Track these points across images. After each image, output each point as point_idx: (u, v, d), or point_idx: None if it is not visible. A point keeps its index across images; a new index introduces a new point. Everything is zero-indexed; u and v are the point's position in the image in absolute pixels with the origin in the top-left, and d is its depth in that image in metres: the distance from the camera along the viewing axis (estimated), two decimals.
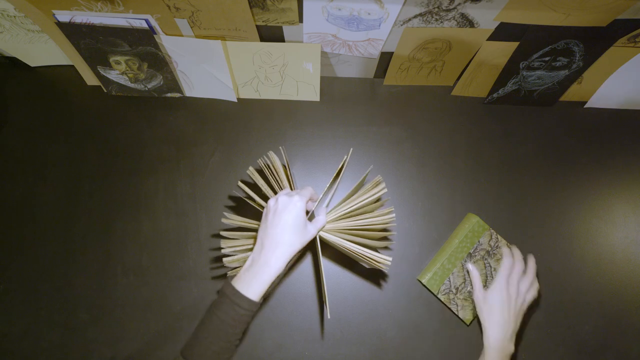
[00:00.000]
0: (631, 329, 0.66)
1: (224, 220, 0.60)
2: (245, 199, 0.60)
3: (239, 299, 0.46)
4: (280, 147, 0.63)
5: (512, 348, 0.58)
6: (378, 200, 0.61)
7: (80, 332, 0.64)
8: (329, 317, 0.59)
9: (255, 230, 0.59)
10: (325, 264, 0.66)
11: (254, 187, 0.60)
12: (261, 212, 0.59)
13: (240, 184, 0.61)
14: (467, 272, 0.64)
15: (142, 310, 0.65)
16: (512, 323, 0.59)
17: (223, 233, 0.59)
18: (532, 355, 0.65)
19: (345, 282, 0.66)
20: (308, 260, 0.67)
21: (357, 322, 0.65)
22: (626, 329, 0.66)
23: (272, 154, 0.61)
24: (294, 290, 0.66)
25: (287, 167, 0.59)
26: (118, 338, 0.64)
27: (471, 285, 0.64)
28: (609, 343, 0.66)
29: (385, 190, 0.60)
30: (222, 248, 0.58)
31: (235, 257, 0.57)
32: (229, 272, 0.57)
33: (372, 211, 0.60)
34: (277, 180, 0.59)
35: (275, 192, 0.59)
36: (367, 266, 0.60)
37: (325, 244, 0.61)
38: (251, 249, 0.58)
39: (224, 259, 0.57)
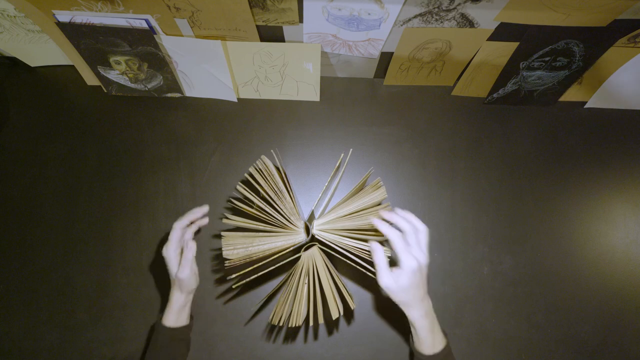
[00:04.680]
0: (631, 329, 0.66)
1: (224, 221, 0.60)
2: (240, 207, 0.60)
3: (159, 328, 0.57)
4: (271, 150, 0.63)
5: (430, 303, 0.54)
6: (379, 204, 0.61)
7: (80, 332, 0.64)
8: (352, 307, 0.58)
9: (255, 230, 0.59)
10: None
11: (253, 187, 0.60)
12: (258, 216, 0.59)
13: (239, 187, 0.61)
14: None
15: (142, 310, 0.65)
16: (425, 290, 0.53)
17: (223, 233, 0.59)
18: (532, 355, 0.65)
19: (345, 282, 0.66)
20: None
21: (357, 322, 0.65)
22: (626, 329, 0.66)
23: (264, 159, 0.61)
24: None
25: (281, 170, 0.59)
26: (118, 338, 0.64)
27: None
28: (609, 343, 0.66)
29: (386, 195, 0.60)
30: (222, 247, 0.58)
31: (234, 253, 0.57)
32: (226, 263, 0.57)
33: (370, 212, 0.60)
34: (272, 184, 0.59)
35: (271, 197, 0.58)
36: (363, 269, 0.59)
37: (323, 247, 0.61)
38: (250, 246, 0.58)
39: (224, 253, 0.57)
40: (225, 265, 0.57)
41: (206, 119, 0.73)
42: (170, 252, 0.57)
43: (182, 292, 0.58)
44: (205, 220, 0.63)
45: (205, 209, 0.62)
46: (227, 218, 0.59)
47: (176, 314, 0.58)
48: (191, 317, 0.61)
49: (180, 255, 0.58)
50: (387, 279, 0.51)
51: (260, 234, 0.58)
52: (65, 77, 0.74)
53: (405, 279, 0.50)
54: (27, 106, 0.74)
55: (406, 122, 0.74)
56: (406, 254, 0.50)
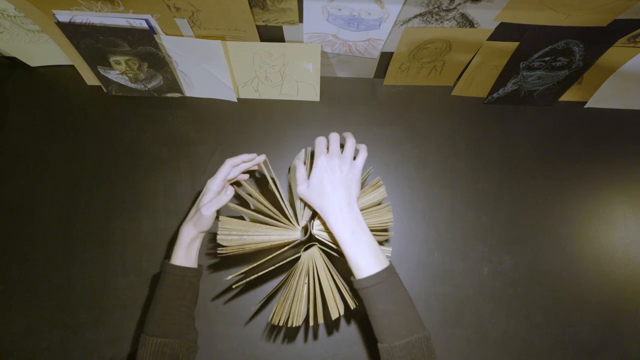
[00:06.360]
0: (631, 329, 0.66)
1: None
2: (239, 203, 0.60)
3: (166, 267, 0.57)
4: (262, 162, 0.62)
5: (357, 215, 0.53)
6: (378, 204, 0.61)
7: (80, 332, 0.64)
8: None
9: (253, 219, 0.59)
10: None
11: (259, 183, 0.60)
12: (258, 208, 0.60)
13: (240, 186, 0.61)
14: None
15: (142, 310, 0.65)
16: (346, 194, 0.53)
17: (221, 218, 0.59)
18: (532, 355, 0.65)
19: (345, 282, 0.66)
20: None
21: (357, 322, 0.65)
22: (626, 329, 0.66)
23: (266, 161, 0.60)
24: None
25: (272, 179, 0.59)
26: (118, 338, 0.64)
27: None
28: (609, 343, 0.66)
29: (386, 195, 0.60)
30: (218, 231, 0.58)
31: (228, 239, 0.57)
32: (219, 250, 0.57)
33: (370, 212, 0.60)
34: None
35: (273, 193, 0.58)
36: None
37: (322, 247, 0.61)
38: (245, 234, 0.58)
39: (219, 238, 0.57)
40: (218, 251, 0.56)
41: (206, 119, 0.73)
42: (214, 185, 0.58)
43: (194, 227, 0.58)
44: (256, 165, 0.62)
45: (261, 157, 0.61)
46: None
47: (185, 250, 0.57)
48: (200, 266, 0.61)
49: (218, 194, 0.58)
50: (302, 187, 0.55)
51: (257, 224, 0.58)
52: (65, 77, 0.74)
53: (314, 178, 0.53)
54: (27, 106, 0.74)
55: (406, 122, 0.74)
56: (318, 155, 0.54)
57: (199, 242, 0.60)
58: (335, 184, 0.53)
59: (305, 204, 0.58)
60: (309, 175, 0.57)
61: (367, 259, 0.50)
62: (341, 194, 0.53)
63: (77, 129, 0.73)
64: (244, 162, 0.61)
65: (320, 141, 0.57)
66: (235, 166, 0.60)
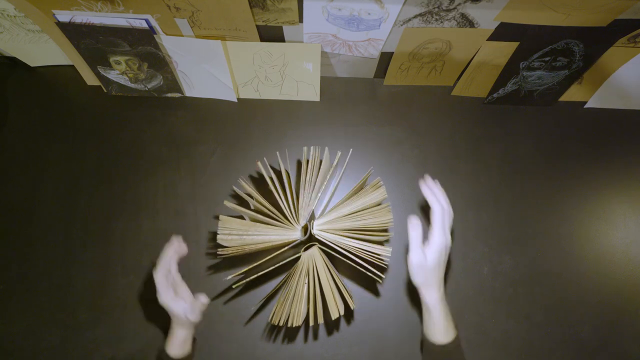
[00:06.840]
0: (631, 329, 0.66)
1: (226, 203, 0.60)
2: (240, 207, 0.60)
3: (163, 356, 0.55)
4: (277, 152, 0.62)
5: (443, 287, 0.56)
6: (379, 204, 0.61)
7: (80, 332, 0.64)
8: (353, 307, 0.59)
9: (253, 219, 0.59)
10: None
11: (257, 182, 0.60)
12: (257, 208, 0.59)
13: (241, 181, 0.61)
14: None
15: (142, 310, 0.65)
16: (444, 269, 0.56)
17: (221, 217, 0.59)
18: (532, 355, 0.65)
19: (345, 282, 0.66)
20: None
21: (357, 322, 0.65)
22: (626, 329, 0.66)
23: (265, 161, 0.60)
24: None
25: (283, 173, 0.59)
26: (118, 338, 0.64)
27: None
28: (609, 343, 0.66)
29: (386, 195, 0.61)
30: (218, 230, 0.58)
31: (228, 239, 0.57)
32: (219, 250, 0.57)
33: (370, 213, 0.60)
34: (275, 182, 0.58)
35: (275, 192, 0.59)
36: (363, 269, 0.59)
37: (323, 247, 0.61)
38: (245, 234, 0.58)
39: (219, 238, 0.57)
40: (218, 252, 0.56)
41: (206, 119, 0.73)
42: (167, 299, 0.54)
43: (188, 329, 0.56)
44: (184, 250, 0.57)
45: (177, 240, 0.57)
46: (227, 203, 0.59)
47: (181, 345, 0.56)
48: (194, 339, 0.59)
49: (176, 295, 0.55)
50: (419, 256, 0.53)
51: (257, 224, 0.58)
52: (65, 77, 0.74)
53: (434, 256, 0.53)
54: (27, 106, 0.74)
55: (406, 122, 0.74)
56: (441, 231, 0.53)
57: (192, 333, 0.58)
58: (443, 269, 0.55)
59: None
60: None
61: (449, 327, 0.55)
62: (443, 271, 0.56)
63: (77, 129, 0.73)
64: (171, 256, 0.56)
65: (440, 210, 0.54)
66: (167, 269, 0.55)
